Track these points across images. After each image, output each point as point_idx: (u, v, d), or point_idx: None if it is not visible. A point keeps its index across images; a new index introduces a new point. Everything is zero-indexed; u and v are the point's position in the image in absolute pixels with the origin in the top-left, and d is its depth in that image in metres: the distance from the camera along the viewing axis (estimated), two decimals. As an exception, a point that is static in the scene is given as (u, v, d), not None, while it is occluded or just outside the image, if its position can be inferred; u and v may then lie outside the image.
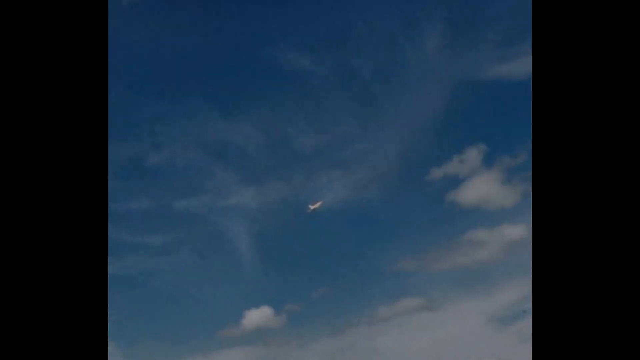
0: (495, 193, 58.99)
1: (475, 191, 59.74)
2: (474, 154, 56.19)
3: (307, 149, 56.59)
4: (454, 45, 51.71)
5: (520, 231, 56.22)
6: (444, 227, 57.09)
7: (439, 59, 51.29)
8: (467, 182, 57.07)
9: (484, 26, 51.86)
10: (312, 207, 45.62)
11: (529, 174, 55.63)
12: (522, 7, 53.64)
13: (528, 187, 53.17)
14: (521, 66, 51.61)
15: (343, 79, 55.29)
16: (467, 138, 55.81)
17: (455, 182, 56.23)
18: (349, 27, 54.23)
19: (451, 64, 52.60)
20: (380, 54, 54.67)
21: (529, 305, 53.58)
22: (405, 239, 58.94)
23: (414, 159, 55.42)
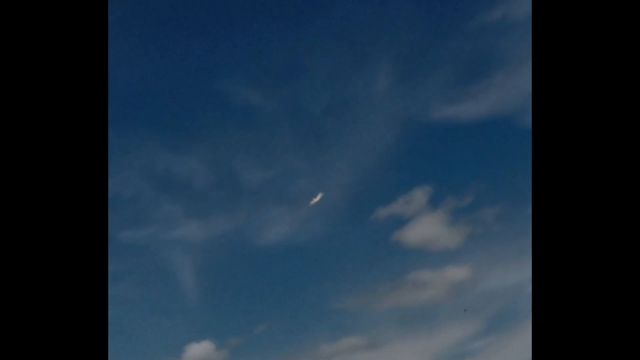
0: (439, 234, 60.21)
1: (420, 232, 60.84)
2: (419, 195, 57.49)
3: (254, 184, 57.26)
4: (404, 85, 53.17)
5: (464, 272, 57.75)
6: (388, 266, 58.32)
7: (389, 98, 52.72)
8: (412, 223, 58.16)
9: (435, 67, 53.50)
10: (314, 201, 45.86)
11: (474, 215, 56.74)
12: (473, 50, 55.05)
13: (473, 229, 54.76)
14: (469, 108, 53.10)
15: (292, 114, 56.05)
16: (413, 178, 57.24)
17: (400, 222, 57.48)
18: (300, 63, 55.11)
19: (401, 103, 53.97)
20: (330, 91, 55.66)
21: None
22: (348, 277, 60.10)
23: (361, 198, 56.58)
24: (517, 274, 52.99)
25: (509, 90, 55.35)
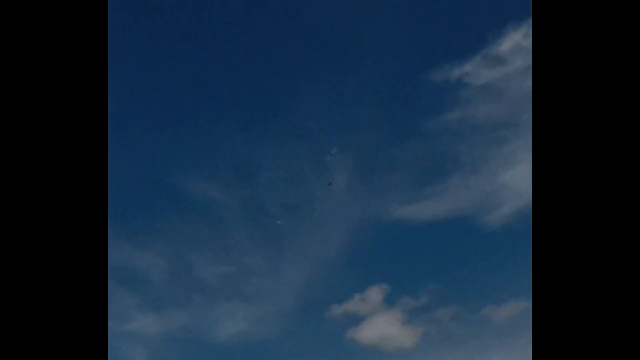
0: (395, 333, 59.89)
1: (375, 330, 60.49)
2: (375, 293, 57.44)
3: (211, 279, 56.61)
4: (363, 184, 54.02)
5: (419, 372, 57.14)
6: (343, 364, 57.34)
7: (346, 197, 53.42)
8: (368, 321, 57.98)
9: (393, 168, 54.58)
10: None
11: (430, 315, 56.96)
12: (431, 151, 56.34)
13: (428, 329, 54.90)
14: (425, 209, 54.03)
15: (250, 211, 56.17)
16: (369, 277, 57.31)
17: (355, 320, 57.04)
18: (260, 160, 55.81)
19: (359, 203, 54.67)
20: (288, 190, 56.15)
21: None
22: (302, 374, 58.80)
23: (316, 295, 56.22)
24: (473, 375, 52.91)
25: (466, 192, 56.36)
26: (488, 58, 54.73)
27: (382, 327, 59.24)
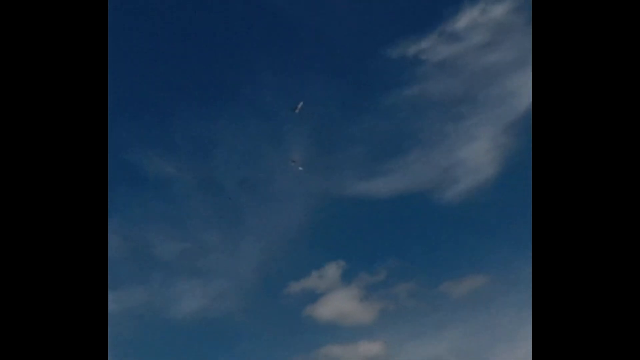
0: (352, 309, 59.98)
1: (332, 307, 60.51)
2: (333, 270, 57.34)
3: (167, 256, 55.95)
4: (320, 160, 53.72)
5: (377, 348, 57.13)
6: (300, 341, 57.29)
7: (305, 174, 53.08)
8: (325, 298, 57.88)
9: (350, 143, 54.32)
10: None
11: (387, 291, 57.14)
12: (388, 127, 56.30)
13: (386, 305, 55.16)
14: (383, 185, 54.05)
15: (207, 187, 55.56)
16: (327, 253, 57.14)
17: (313, 296, 56.91)
18: (216, 136, 55.15)
19: (316, 179, 54.40)
20: (245, 165, 55.66)
21: None
22: (260, 351, 58.47)
23: (274, 272, 55.96)
24: (431, 348, 53.32)
25: (424, 167, 56.53)
26: (445, 34, 54.67)
27: (340, 303, 59.37)
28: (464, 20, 54.12)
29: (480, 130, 54.80)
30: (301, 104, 49.14)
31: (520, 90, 52.89)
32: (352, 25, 57.29)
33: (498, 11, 53.44)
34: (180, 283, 60.07)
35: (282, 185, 56.69)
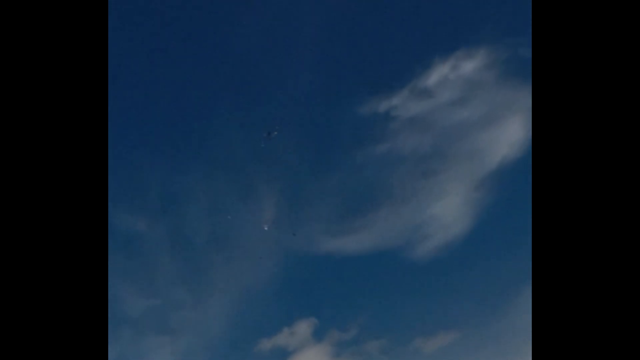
0: (324, 366, 59.33)
1: (304, 364, 59.83)
2: (304, 327, 56.58)
3: (136, 313, 54.66)
4: (290, 216, 53.42)
5: (349, 404, 56.42)
6: (271, 398, 56.16)
7: (274, 229, 52.61)
8: (297, 355, 56.98)
9: (320, 200, 54.18)
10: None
11: (359, 348, 56.64)
12: (358, 183, 56.31)
13: (356, 362, 54.86)
14: (353, 241, 53.74)
15: (176, 243, 54.79)
16: (298, 310, 56.49)
17: (284, 354, 55.89)
18: (186, 192, 54.62)
19: (286, 235, 54.06)
20: (216, 221, 55.05)
21: None
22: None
23: (244, 329, 55.05)
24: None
25: (395, 224, 56.44)
26: (416, 91, 55.22)
27: (311, 360, 58.57)
28: (435, 76, 54.77)
29: (451, 186, 55.02)
30: (275, 133, 49.01)
31: (491, 146, 53.39)
32: (323, 81, 57.67)
33: (469, 68, 54.22)
34: (149, 340, 58.73)
35: (253, 241, 56.14)
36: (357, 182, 57.89)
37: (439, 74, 54.23)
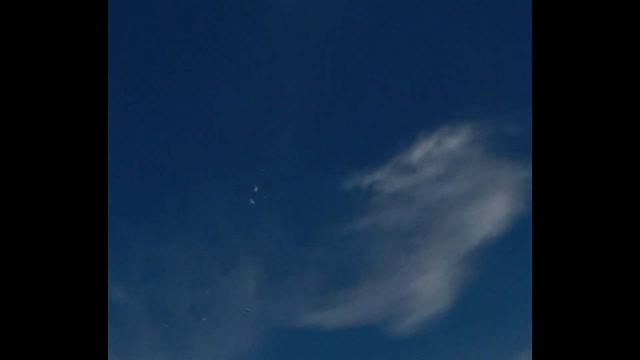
0: None
1: None
2: (281, 402, 55.47)
3: (115, 383, 53.31)
4: (271, 289, 52.82)
5: None
6: None
7: (255, 301, 51.82)
8: None
9: (302, 273, 53.81)
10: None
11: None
12: (340, 258, 56.20)
13: None
14: (334, 316, 53.30)
15: (157, 313, 53.94)
16: (277, 384, 55.71)
17: None
18: (166, 261, 54.09)
19: (267, 308, 53.25)
20: (197, 291, 54.38)
21: None
22: None
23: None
24: None
25: (376, 299, 56.09)
26: (399, 166, 55.62)
27: None
28: (418, 152, 55.28)
29: (433, 262, 54.93)
30: (257, 188, 49.12)
31: (474, 222, 53.57)
32: (308, 154, 57.96)
33: (453, 143, 54.84)
34: (127, 413, 57.23)
35: (232, 312, 55.48)
36: (339, 256, 57.64)
37: (423, 149, 54.70)
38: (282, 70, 60.18)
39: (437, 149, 54.36)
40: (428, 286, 54.47)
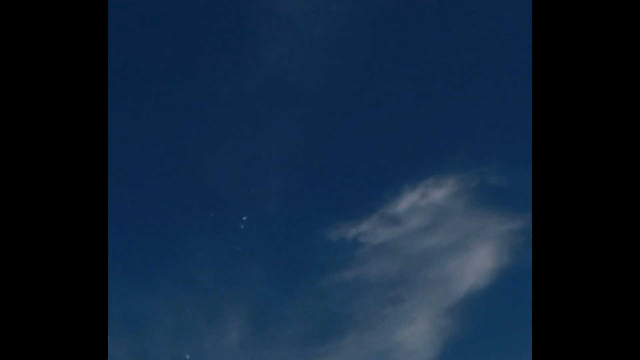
0: None
1: None
2: None
3: None
4: (255, 341, 52.26)
5: None
6: None
7: (239, 353, 51.10)
8: None
9: (286, 325, 53.35)
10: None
11: None
12: (325, 309, 56.01)
13: None
14: (323, 362, 53.38)
15: (140, 366, 53.21)
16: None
17: None
18: (150, 314, 53.57)
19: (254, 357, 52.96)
20: (179, 345, 53.62)
21: None
22: None
23: None
24: None
25: (360, 350, 55.59)
26: (385, 217, 55.72)
27: None
28: (404, 203, 55.42)
29: (418, 314, 54.70)
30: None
31: (458, 273, 53.54)
32: (292, 205, 57.98)
33: (438, 195, 55.10)
34: None
35: (217, 364, 54.96)
36: (323, 308, 57.34)
37: (408, 201, 54.90)
38: (266, 123, 60.56)
39: (422, 200, 54.61)
40: (413, 337, 54.14)
